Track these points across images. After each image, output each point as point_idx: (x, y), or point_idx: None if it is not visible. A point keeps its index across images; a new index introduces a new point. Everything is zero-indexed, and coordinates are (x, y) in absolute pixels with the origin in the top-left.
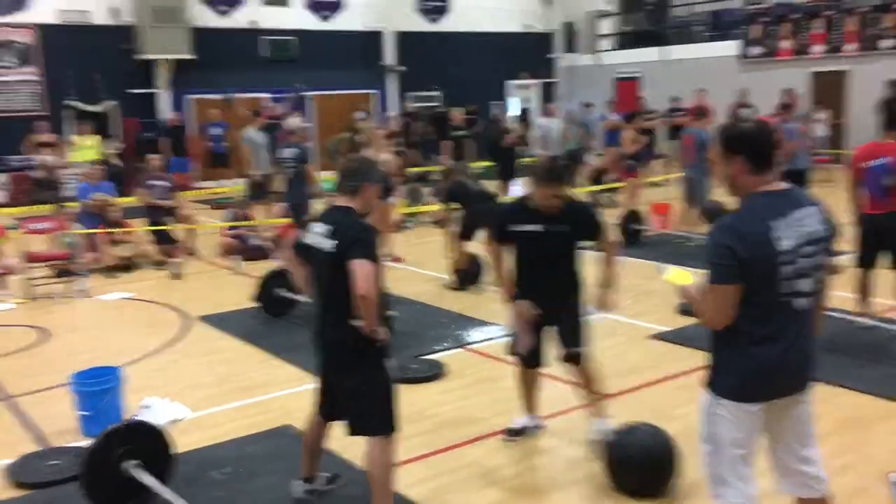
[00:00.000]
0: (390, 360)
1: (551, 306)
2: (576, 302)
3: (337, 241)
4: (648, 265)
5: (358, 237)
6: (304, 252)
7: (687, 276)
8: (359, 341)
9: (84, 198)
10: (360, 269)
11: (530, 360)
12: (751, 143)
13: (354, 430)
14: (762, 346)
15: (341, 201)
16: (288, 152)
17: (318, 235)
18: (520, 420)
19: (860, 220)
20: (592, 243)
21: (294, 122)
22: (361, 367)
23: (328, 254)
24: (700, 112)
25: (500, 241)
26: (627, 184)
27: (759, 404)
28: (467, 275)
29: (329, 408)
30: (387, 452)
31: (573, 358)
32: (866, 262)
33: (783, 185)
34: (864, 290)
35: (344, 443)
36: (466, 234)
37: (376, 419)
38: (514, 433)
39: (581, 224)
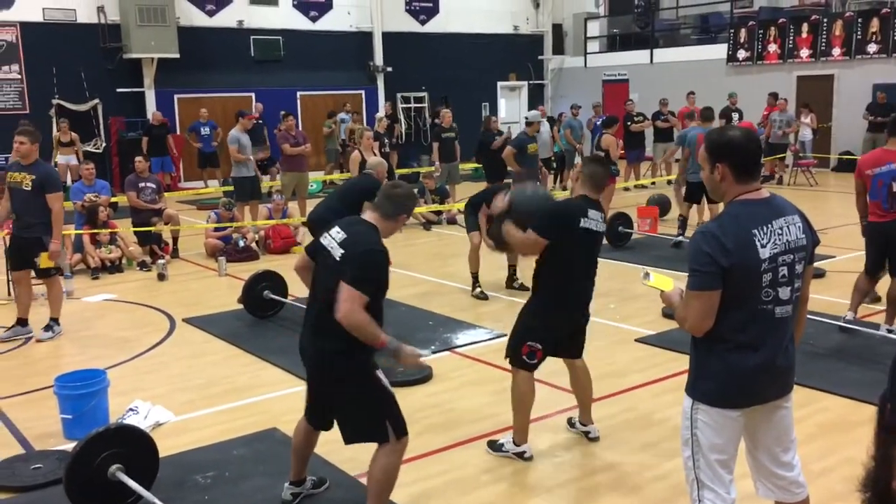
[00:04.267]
0: (378, 367)
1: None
2: None
3: (344, 252)
4: (634, 269)
5: (364, 258)
6: (318, 252)
7: (668, 282)
8: (353, 351)
9: (78, 198)
10: (346, 292)
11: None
12: (736, 152)
13: (349, 439)
14: (742, 352)
15: (371, 217)
16: None
17: (333, 240)
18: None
19: (867, 228)
20: None
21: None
22: (352, 376)
23: (335, 261)
24: (705, 114)
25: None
26: (606, 189)
27: (739, 410)
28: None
29: (320, 418)
30: (389, 458)
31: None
32: (873, 270)
33: (766, 193)
34: (863, 293)
35: (330, 447)
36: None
37: (371, 428)
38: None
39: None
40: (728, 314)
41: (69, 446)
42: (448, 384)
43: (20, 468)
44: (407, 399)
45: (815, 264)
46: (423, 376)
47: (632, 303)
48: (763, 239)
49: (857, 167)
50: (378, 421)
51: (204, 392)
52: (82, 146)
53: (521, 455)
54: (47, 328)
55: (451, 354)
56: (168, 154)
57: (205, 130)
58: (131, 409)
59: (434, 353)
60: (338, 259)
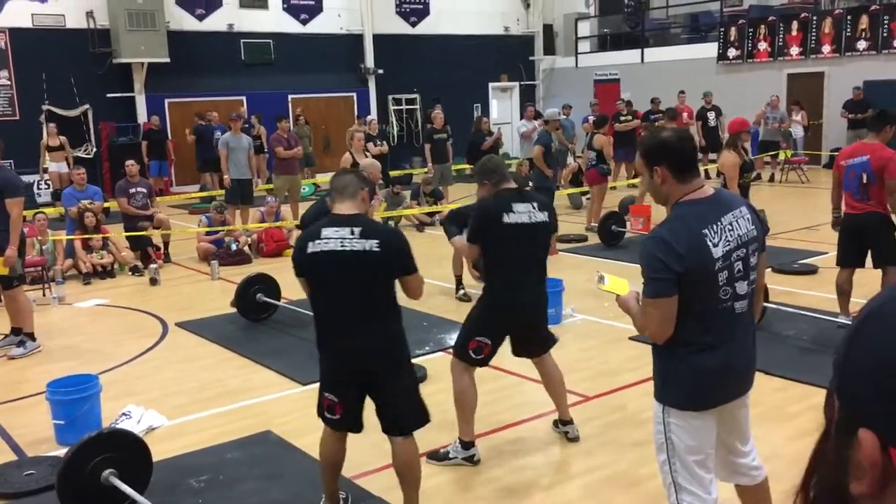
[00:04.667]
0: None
1: None
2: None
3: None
4: (628, 267)
5: (402, 244)
6: (327, 259)
7: (624, 285)
8: (395, 343)
9: (70, 204)
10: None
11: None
12: (671, 152)
13: (401, 430)
14: (705, 354)
15: (351, 208)
16: None
17: (348, 240)
18: None
19: (839, 219)
20: None
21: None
22: (403, 367)
23: (370, 256)
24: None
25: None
26: (598, 188)
27: (708, 411)
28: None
29: (353, 419)
30: (417, 448)
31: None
32: (845, 261)
33: (710, 191)
34: (843, 290)
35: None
36: None
37: (419, 413)
38: None
39: None
40: (688, 317)
41: (62, 452)
42: (442, 385)
43: (13, 474)
44: None
45: (807, 261)
46: (419, 375)
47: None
48: (714, 238)
49: (836, 159)
50: (421, 403)
51: (197, 396)
52: (73, 151)
53: (469, 459)
54: (20, 344)
55: (445, 355)
56: (166, 158)
57: (218, 134)
58: (124, 414)
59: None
60: (375, 250)
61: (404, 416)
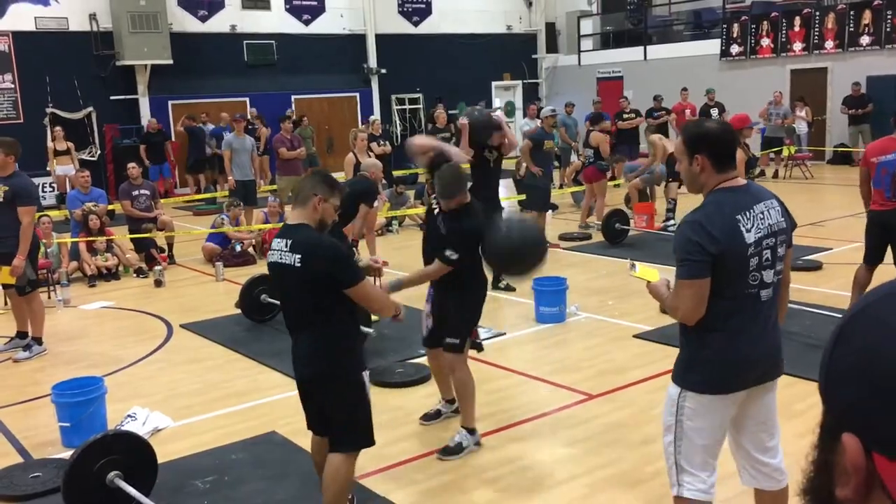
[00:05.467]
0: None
1: None
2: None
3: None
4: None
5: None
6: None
7: (654, 273)
8: (329, 357)
9: (75, 206)
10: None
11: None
12: (714, 142)
13: (332, 445)
14: (732, 337)
15: (300, 217)
16: None
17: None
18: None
19: (868, 216)
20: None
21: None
22: (338, 383)
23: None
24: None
25: None
26: (597, 185)
27: (729, 395)
28: None
29: (316, 424)
30: (351, 468)
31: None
32: (871, 258)
33: (742, 181)
34: (861, 286)
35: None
36: None
37: (355, 434)
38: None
39: None
40: (717, 301)
41: (68, 454)
42: None
43: (19, 477)
44: (407, 398)
45: (811, 257)
46: (421, 376)
47: (630, 299)
48: (747, 224)
49: (864, 154)
50: (364, 424)
51: (202, 397)
52: (77, 154)
53: (478, 443)
54: (27, 347)
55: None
56: (167, 161)
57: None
58: (130, 416)
59: None
60: (297, 266)
61: (337, 432)
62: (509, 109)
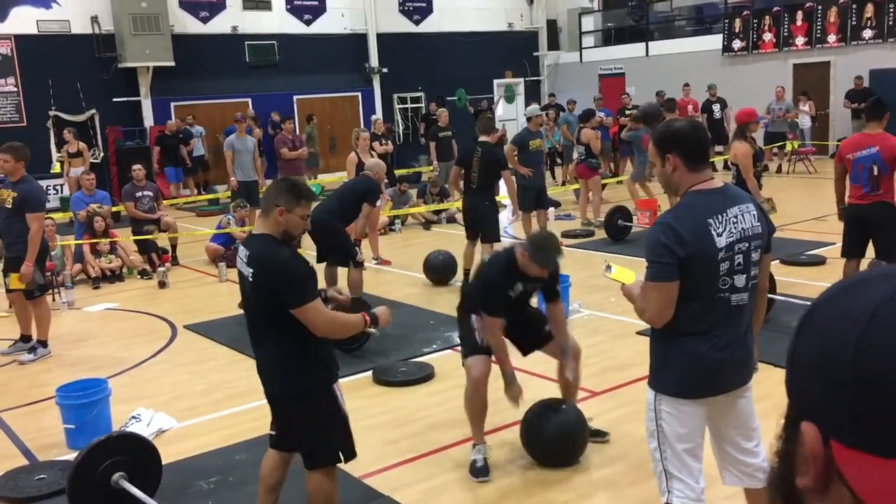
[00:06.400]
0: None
1: None
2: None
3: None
4: (634, 262)
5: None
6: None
7: (630, 275)
8: (284, 372)
9: (79, 208)
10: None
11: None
12: (683, 141)
13: (304, 461)
14: (701, 342)
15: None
16: None
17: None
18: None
19: (845, 211)
20: None
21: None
22: (297, 400)
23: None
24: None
25: None
26: (591, 182)
27: (700, 400)
28: None
29: (280, 439)
30: (333, 483)
31: None
32: (851, 252)
33: (719, 183)
34: None
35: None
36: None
37: (327, 449)
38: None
39: None
40: (686, 304)
41: (72, 456)
42: (450, 382)
43: (24, 479)
44: (410, 397)
45: (815, 252)
46: (424, 375)
47: None
48: (719, 228)
49: (839, 151)
50: (336, 438)
51: (206, 398)
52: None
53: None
54: (31, 350)
55: (452, 353)
56: (182, 164)
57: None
58: (134, 417)
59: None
60: (251, 280)
61: (305, 449)
62: (509, 95)
